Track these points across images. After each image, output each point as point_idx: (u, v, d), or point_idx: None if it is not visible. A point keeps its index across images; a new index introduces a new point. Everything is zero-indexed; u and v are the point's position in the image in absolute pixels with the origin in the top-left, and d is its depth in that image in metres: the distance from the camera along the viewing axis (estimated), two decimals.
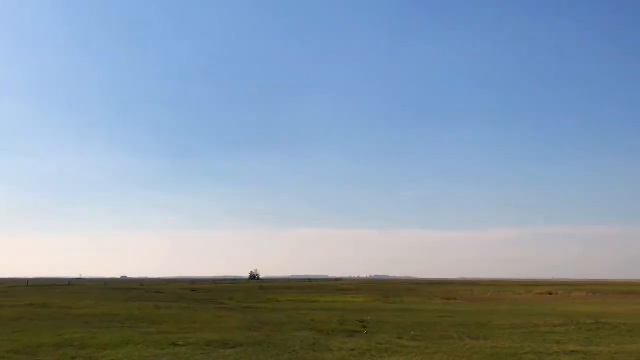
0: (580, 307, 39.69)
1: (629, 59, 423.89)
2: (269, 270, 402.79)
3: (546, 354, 15.76)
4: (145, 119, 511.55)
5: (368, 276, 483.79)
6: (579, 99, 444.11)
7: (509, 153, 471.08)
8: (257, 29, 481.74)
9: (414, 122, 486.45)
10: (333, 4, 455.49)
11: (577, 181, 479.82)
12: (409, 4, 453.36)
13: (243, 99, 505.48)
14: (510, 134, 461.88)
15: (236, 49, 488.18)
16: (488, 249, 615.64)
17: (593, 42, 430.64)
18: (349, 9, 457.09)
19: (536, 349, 16.58)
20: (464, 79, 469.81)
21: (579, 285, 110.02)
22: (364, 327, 22.99)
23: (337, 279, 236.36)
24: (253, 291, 71.72)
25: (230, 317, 28.20)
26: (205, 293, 65.43)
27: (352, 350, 16.24)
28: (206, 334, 20.11)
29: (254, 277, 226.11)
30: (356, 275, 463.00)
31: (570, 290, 75.58)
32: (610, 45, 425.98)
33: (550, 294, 66.01)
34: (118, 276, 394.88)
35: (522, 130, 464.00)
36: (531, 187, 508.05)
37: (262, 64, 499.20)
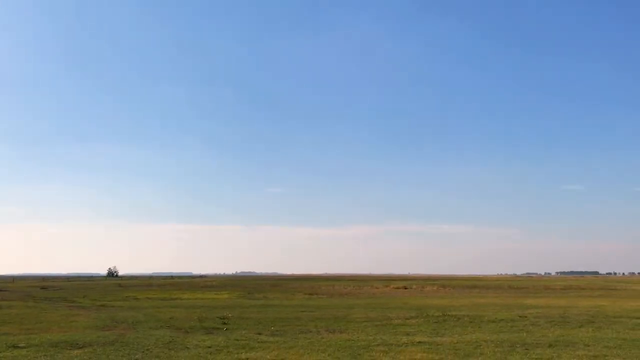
0: (430, 300, 42.46)
1: (492, 66, 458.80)
2: (129, 267, 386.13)
3: (396, 345, 16.64)
4: None
5: (234, 273, 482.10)
6: (437, 109, 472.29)
7: (367, 153, 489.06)
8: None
9: (280, 118, 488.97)
10: None
11: (429, 183, 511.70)
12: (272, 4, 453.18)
13: (103, 85, 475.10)
14: (363, 136, 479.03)
15: (91, 33, 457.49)
16: (350, 246, 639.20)
17: (474, 47, 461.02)
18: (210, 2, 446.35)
19: (387, 341, 17.46)
20: (330, 77, 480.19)
21: (431, 280, 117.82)
22: (225, 323, 22.81)
23: (201, 276, 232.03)
24: (110, 289, 68.28)
25: (82, 316, 26.60)
26: (56, 291, 61.08)
27: (209, 347, 16.02)
28: (53, 334, 18.80)
29: (112, 274, 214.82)
30: (221, 272, 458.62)
31: (423, 284, 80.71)
32: (488, 50, 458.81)
33: (405, 288, 69.85)
34: None
35: (370, 130, 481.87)
36: (388, 187, 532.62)
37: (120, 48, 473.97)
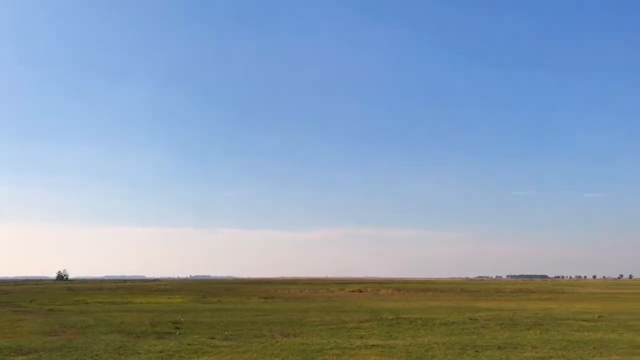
0: (385, 303, 42.84)
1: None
2: (80, 270, 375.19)
3: (349, 348, 16.73)
4: None
5: (188, 276, 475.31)
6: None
7: (324, 159, 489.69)
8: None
9: (240, 121, 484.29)
10: None
11: (385, 188, 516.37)
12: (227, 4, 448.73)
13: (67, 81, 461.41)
14: (320, 142, 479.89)
15: (50, 33, 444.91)
16: (307, 250, 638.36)
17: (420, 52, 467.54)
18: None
19: (341, 344, 17.53)
20: (290, 82, 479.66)
21: (386, 283, 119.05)
22: (177, 328, 22.46)
23: (154, 280, 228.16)
24: (59, 292, 66.31)
25: (29, 321, 25.72)
26: (2, 295, 58.94)
27: (161, 352, 15.75)
28: None
29: (62, 277, 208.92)
30: (176, 276, 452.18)
31: (379, 287, 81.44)
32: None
33: (361, 291, 70.34)
34: None
35: (329, 137, 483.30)
36: (344, 191, 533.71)
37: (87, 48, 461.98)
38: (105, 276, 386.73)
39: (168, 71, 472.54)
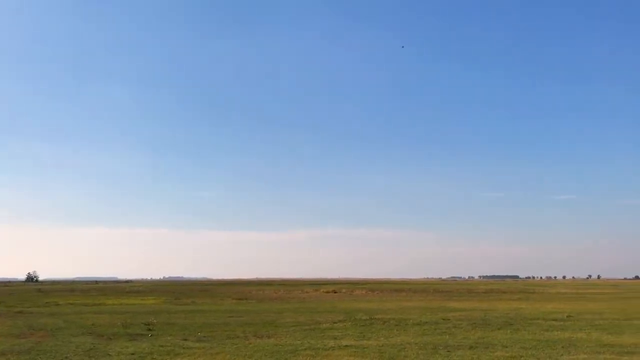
0: (359, 304, 43.03)
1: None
2: (50, 271, 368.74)
3: (323, 349, 16.79)
4: None
5: (162, 277, 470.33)
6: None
7: (297, 160, 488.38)
8: None
9: (215, 122, 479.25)
10: None
11: (360, 189, 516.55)
12: (209, 4, 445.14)
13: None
14: (292, 142, 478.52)
15: (26, 32, 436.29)
16: (281, 250, 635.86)
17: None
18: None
19: (314, 345, 17.58)
20: (269, 82, 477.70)
21: (360, 283, 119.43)
22: (150, 329, 22.27)
23: (127, 281, 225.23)
24: (29, 294, 65.07)
25: None
26: None
27: (133, 354, 15.61)
28: None
29: (31, 279, 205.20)
30: (149, 277, 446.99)
31: (353, 288, 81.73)
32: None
33: (335, 292, 70.52)
34: None
35: (303, 137, 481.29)
36: (319, 192, 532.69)
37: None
38: (77, 277, 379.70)
39: (140, 70, 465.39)
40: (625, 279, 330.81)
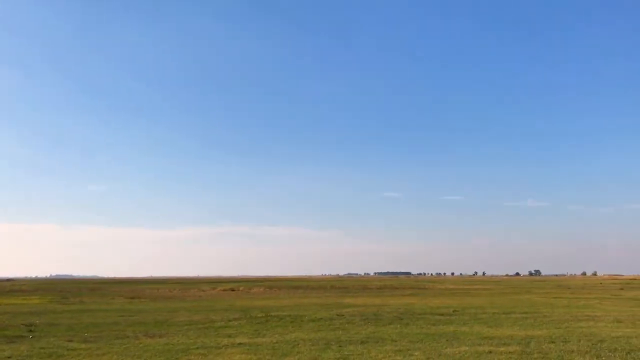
0: (256, 301, 42.98)
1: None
2: None
3: (215, 347, 16.59)
4: None
5: (48, 276, 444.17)
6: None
7: (196, 156, 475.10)
8: None
9: (104, 111, 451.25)
10: None
11: (258, 187, 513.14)
12: None
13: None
14: (191, 138, 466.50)
15: None
16: (177, 248, 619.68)
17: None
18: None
19: (207, 344, 17.34)
20: (165, 73, 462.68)
21: (259, 281, 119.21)
22: (31, 331, 21.00)
23: (8, 279, 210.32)
24: None
25: None
26: None
27: (9, 357, 14.63)
28: None
29: None
30: (34, 275, 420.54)
31: (251, 286, 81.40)
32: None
33: (233, 290, 69.99)
34: None
35: (202, 134, 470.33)
36: (217, 189, 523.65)
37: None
38: None
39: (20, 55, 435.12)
40: (507, 275, 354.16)
